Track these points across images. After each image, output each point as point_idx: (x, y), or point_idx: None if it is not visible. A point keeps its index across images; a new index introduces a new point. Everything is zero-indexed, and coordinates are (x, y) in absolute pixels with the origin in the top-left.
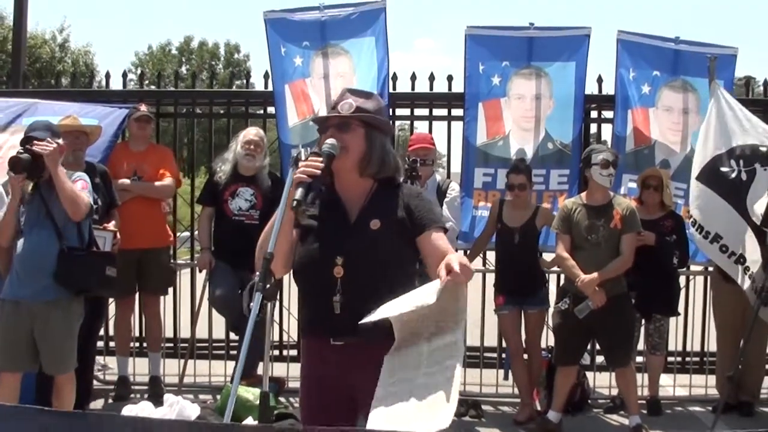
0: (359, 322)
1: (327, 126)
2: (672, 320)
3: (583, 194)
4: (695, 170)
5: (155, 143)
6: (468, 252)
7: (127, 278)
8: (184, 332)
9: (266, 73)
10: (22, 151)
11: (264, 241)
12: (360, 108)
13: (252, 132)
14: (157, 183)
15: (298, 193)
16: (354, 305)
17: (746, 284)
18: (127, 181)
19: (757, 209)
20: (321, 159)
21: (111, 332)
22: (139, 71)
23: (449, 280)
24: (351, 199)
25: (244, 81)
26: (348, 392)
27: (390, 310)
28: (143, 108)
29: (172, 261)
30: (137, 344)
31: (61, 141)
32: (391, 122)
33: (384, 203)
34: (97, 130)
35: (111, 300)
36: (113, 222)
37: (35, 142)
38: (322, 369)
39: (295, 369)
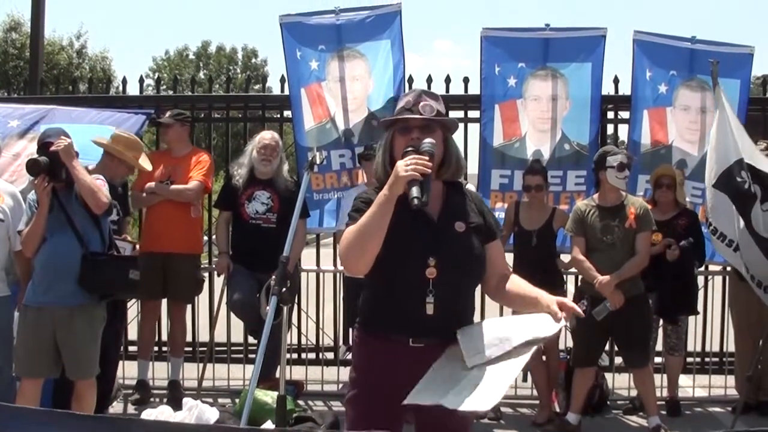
0: (457, 330)
1: (409, 127)
2: (691, 321)
3: (596, 195)
4: (711, 177)
5: (198, 148)
6: None
7: (152, 282)
8: (203, 336)
9: (282, 77)
10: (38, 155)
11: (355, 241)
12: (439, 111)
13: (267, 137)
14: (179, 186)
15: (415, 191)
16: (445, 306)
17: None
18: (152, 184)
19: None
20: (428, 158)
21: (129, 337)
22: (156, 76)
23: (565, 316)
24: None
25: (261, 85)
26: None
27: (503, 331)
28: (166, 115)
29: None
30: (156, 348)
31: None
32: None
33: (460, 206)
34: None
35: (130, 304)
36: (125, 236)
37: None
38: (389, 372)
39: (314, 372)
